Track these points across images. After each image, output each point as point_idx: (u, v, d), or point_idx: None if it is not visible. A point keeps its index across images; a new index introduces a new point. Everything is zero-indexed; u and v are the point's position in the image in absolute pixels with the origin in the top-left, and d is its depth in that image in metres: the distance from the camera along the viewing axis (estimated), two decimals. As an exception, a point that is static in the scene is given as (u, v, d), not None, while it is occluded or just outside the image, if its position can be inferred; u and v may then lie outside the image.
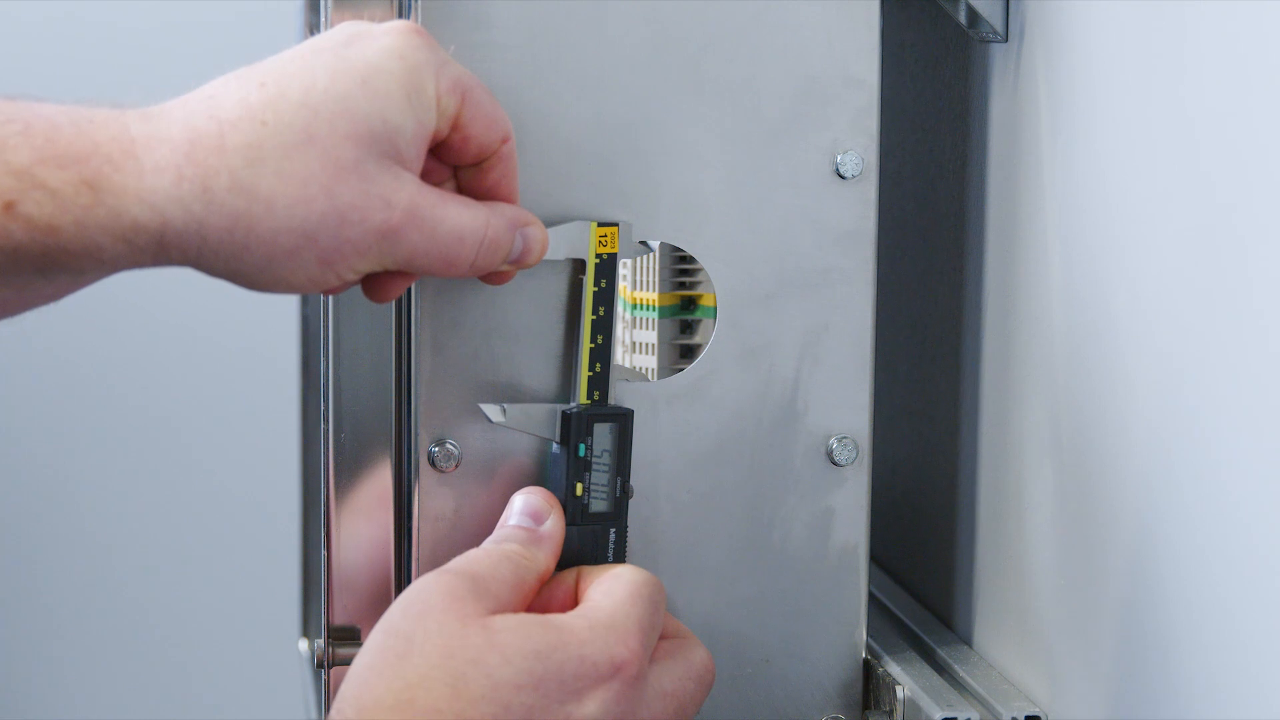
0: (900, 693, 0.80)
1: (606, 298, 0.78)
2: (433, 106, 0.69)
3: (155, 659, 1.68)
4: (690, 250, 0.80)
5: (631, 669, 0.69)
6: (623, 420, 0.77)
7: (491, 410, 0.76)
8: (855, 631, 0.82)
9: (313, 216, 0.66)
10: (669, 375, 0.82)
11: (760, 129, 0.79)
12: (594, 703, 0.68)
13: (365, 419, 0.80)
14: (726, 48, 0.79)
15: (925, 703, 0.79)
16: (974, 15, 0.81)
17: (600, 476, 0.77)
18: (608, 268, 0.78)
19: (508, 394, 0.78)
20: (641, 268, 0.85)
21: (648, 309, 0.85)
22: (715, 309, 0.80)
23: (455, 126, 0.70)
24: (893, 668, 0.82)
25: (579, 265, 0.78)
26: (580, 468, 0.77)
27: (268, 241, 0.66)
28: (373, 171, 0.67)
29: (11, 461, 1.54)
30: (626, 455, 0.77)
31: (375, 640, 0.68)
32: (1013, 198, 0.81)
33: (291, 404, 1.16)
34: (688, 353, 0.85)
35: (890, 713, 0.81)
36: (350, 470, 0.80)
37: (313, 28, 0.92)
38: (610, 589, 0.72)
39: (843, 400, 0.81)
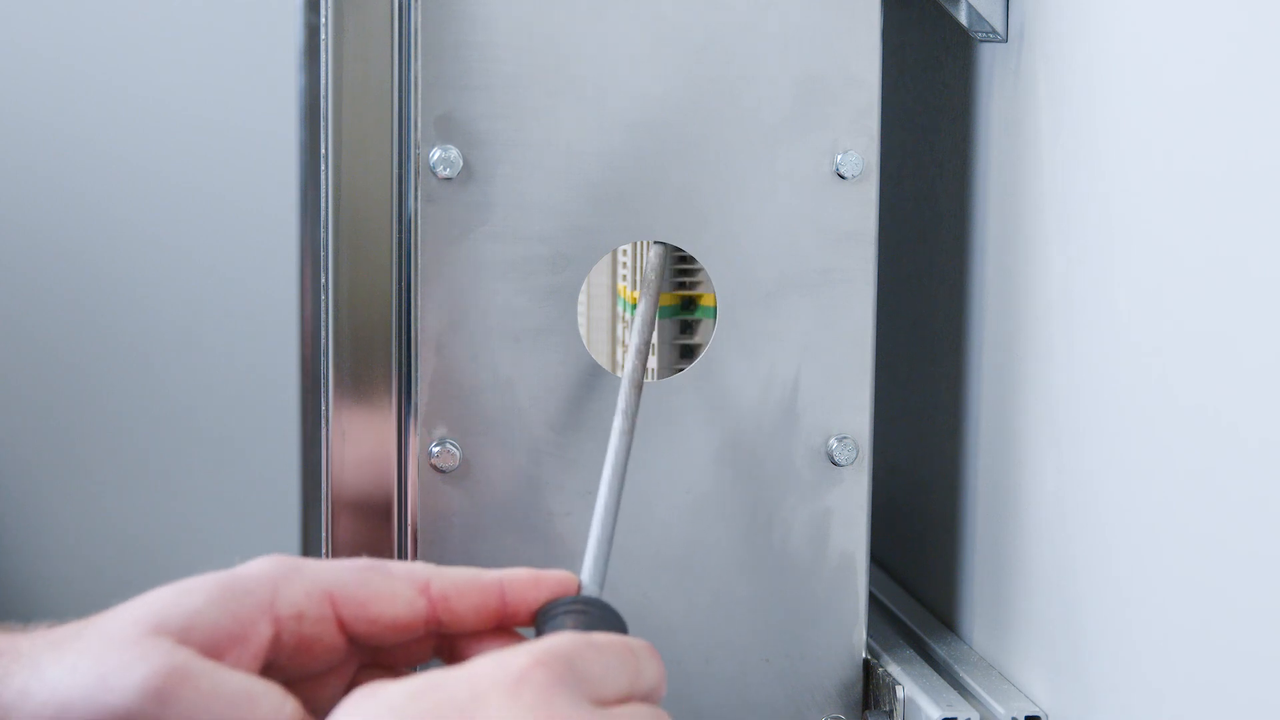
0: (900, 693, 0.80)
1: None
2: (257, 606, 0.64)
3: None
4: (690, 250, 0.80)
5: (537, 672, 0.58)
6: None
7: None
8: (855, 632, 0.82)
9: (73, 690, 0.62)
10: (669, 375, 0.82)
11: (760, 129, 0.79)
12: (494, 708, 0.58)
13: (365, 417, 0.80)
14: (726, 47, 0.79)
15: (925, 703, 0.79)
16: (974, 15, 0.81)
17: None
18: None
19: (507, 395, 0.78)
20: (641, 268, 0.85)
21: (648, 309, 0.85)
22: (715, 309, 0.80)
23: (344, 623, 0.65)
24: (893, 668, 0.82)
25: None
26: None
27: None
28: (145, 645, 0.62)
29: (9, 460, 1.54)
30: None
31: None
32: (1013, 198, 0.81)
33: (291, 404, 1.16)
34: (688, 353, 0.85)
35: (890, 713, 0.81)
36: (350, 469, 0.80)
37: (313, 28, 0.92)
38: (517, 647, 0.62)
39: (843, 400, 0.81)
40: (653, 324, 0.79)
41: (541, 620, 0.64)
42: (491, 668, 0.58)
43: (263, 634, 0.63)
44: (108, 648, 0.62)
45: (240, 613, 0.63)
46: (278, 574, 0.65)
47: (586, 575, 0.67)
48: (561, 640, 0.59)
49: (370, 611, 0.64)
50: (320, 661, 0.65)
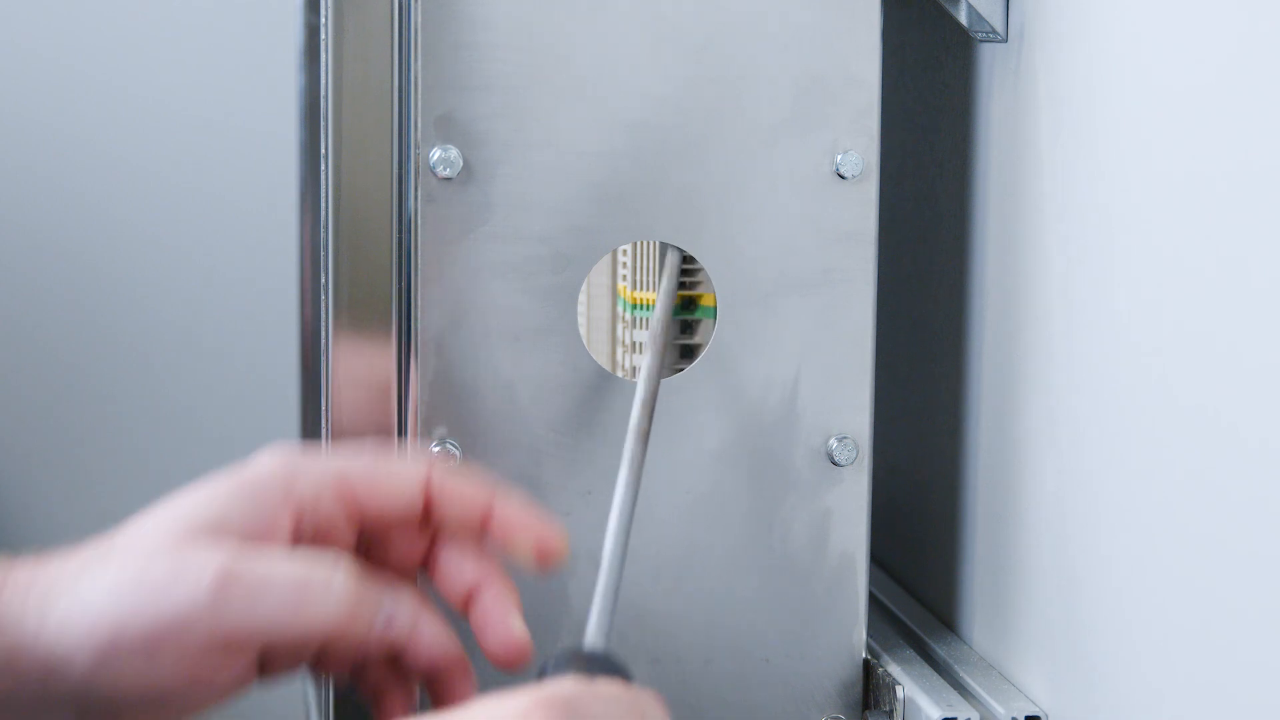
0: (900, 693, 0.80)
1: None
2: (277, 500, 0.66)
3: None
4: (690, 250, 0.80)
5: (537, 714, 0.57)
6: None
7: None
8: (855, 631, 0.82)
9: (123, 605, 0.62)
10: (669, 375, 0.82)
11: (760, 129, 0.79)
12: None
13: (365, 418, 0.79)
14: (726, 47, 0.78)
15: (925, 703, 0.79)
16: (974, 15, 0.81)
17: None
18: None
19: (507, 395, 0.78)
20: (641, 268, 0.85)
21: (648, 309, 0.85)
22: (715, 309, 0.80)
23: (356, 502, 0.67)
24: (893, 668, 0.82)
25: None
26: None
27: (85, 647, 0.61)
28: (187, 549, 0.63)
29: (9, 460, 1.54)
30: None
31: None
32: (1013, 198, 0.81)
33: (291, 403, 1.16)
34: (688, 353, 0.85)
35: (890, 713, 0.81)
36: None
37: (313, 28, 0.92)
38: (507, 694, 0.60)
39: (843, 400, 0.81)
40: (659, 377, 0.78)
41: (543, 671, 0.64)
42: (491, 710, 0.58)
43: (285, 526, 0.65)
44: (150, 558, 0.63)
45: (263, 508, 0.65)
46: (289, 464, 0.66)
47: (591, 629, 0.66)
48: (563, 685, 0.59)
49: (380, 487, 0.67)
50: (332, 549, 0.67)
